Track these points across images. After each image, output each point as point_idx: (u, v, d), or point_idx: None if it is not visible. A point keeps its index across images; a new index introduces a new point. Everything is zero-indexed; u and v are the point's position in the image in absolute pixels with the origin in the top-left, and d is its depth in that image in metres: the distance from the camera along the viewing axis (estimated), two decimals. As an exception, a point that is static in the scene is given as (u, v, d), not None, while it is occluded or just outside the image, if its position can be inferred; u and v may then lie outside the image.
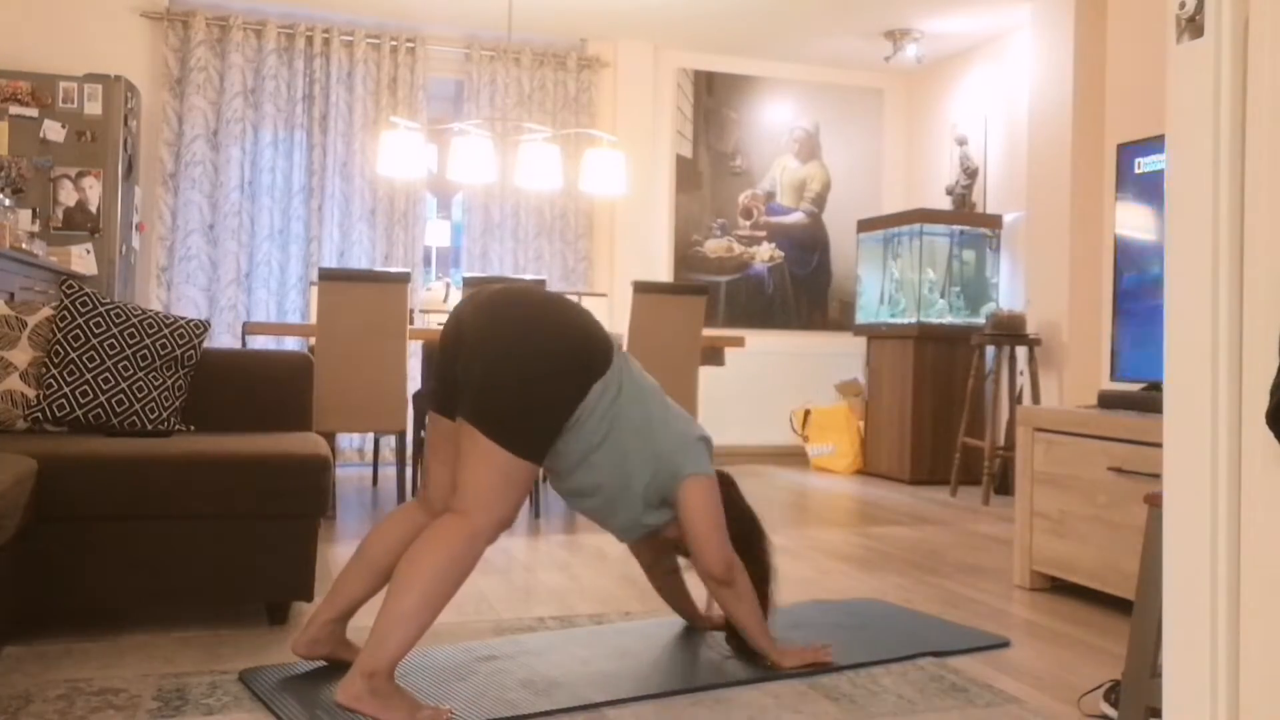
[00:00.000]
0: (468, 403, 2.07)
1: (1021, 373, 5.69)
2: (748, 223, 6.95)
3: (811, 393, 6.99)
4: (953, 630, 2.75)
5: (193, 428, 3.08)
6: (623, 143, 6.46)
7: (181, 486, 2.52)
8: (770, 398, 6.90)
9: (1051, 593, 3.26)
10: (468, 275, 4.35)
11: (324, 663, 2.30)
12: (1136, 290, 3.23)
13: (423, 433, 5.04)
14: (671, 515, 2.33)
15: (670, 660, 2.43)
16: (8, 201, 4.21)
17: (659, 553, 2.61)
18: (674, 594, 2.69)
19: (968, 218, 6.16)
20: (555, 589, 3.15)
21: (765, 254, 6.98)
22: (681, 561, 2.61)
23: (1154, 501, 1.81)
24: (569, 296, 5.78)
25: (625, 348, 4.57)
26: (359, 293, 4.13)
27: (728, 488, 2.45)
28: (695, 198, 6.84)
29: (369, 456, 6.11)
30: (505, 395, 2.05)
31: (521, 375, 2.06)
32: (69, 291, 2.94)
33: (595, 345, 2.18)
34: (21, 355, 2.88)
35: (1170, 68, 1.14)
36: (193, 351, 3.05)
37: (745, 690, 2.26)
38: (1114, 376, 3.32)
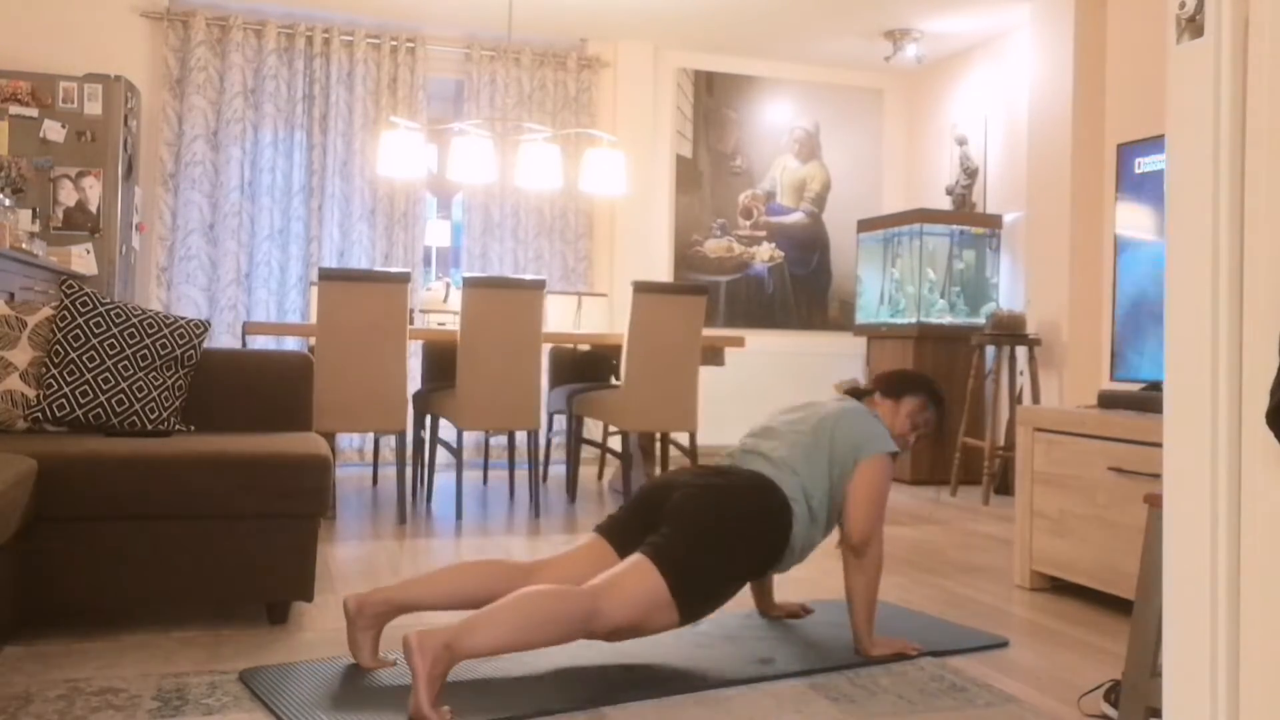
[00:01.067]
0: (653, 541, 2.29)
1: (1021, 373, 5.69)
2: (748, 223, 6.95)
3: (811, 393, 6.99)
4: (952, 630, 2.75)
5: (193, 428, 3.08)
6: (623, 143, 6.46)
7: (181, 486, 2.52)
8: (770, 398, 6.90)
9: (1051, 593, 3.26)
10: (468, 275, 4.35)
11: (323, 663, 2.30)
12: (1136, 290, 3.23)
13: (422, 433, 5.04)
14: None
15: (670, 660, 2.43)
16: (8, 201, 4.21)
17: None
18: (759, 585, 2.86)
19: (968, 218, 6.16)
20: (555, 589, 3.15)
21: (765, 254, 6.98)
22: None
23: (1154, 501, 1.81)
24: (569, 297, 5.77)
25: (626, 348, 4.57)
26: (359, 293, 4.13)
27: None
28: (695, 198, 6.84)
29: (369, 456, 6.11)
30: (696, 548, 2.29)
31: (719, 543, 2.32)
32: (69, 291, 2.94)
33: (778, 510, 2.44)
34: (21, 355, 2.88)
35: (1170, 68, 1.14)
36: (193, 351, 3.05)
37: (745, 690, 2.26)
38: (1114, 376, 3.32)
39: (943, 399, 2.75)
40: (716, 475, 2.43)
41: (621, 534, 2.42)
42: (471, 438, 6.06)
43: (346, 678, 2.24)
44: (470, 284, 4.34)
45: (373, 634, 2.30)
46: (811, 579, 3.37)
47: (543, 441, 5.61)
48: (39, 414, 2.85)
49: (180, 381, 3.03)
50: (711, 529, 2.30)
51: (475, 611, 2.08)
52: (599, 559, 2.39)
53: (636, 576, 2.20)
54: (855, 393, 2.77)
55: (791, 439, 2.55)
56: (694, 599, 2.26)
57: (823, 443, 2.53)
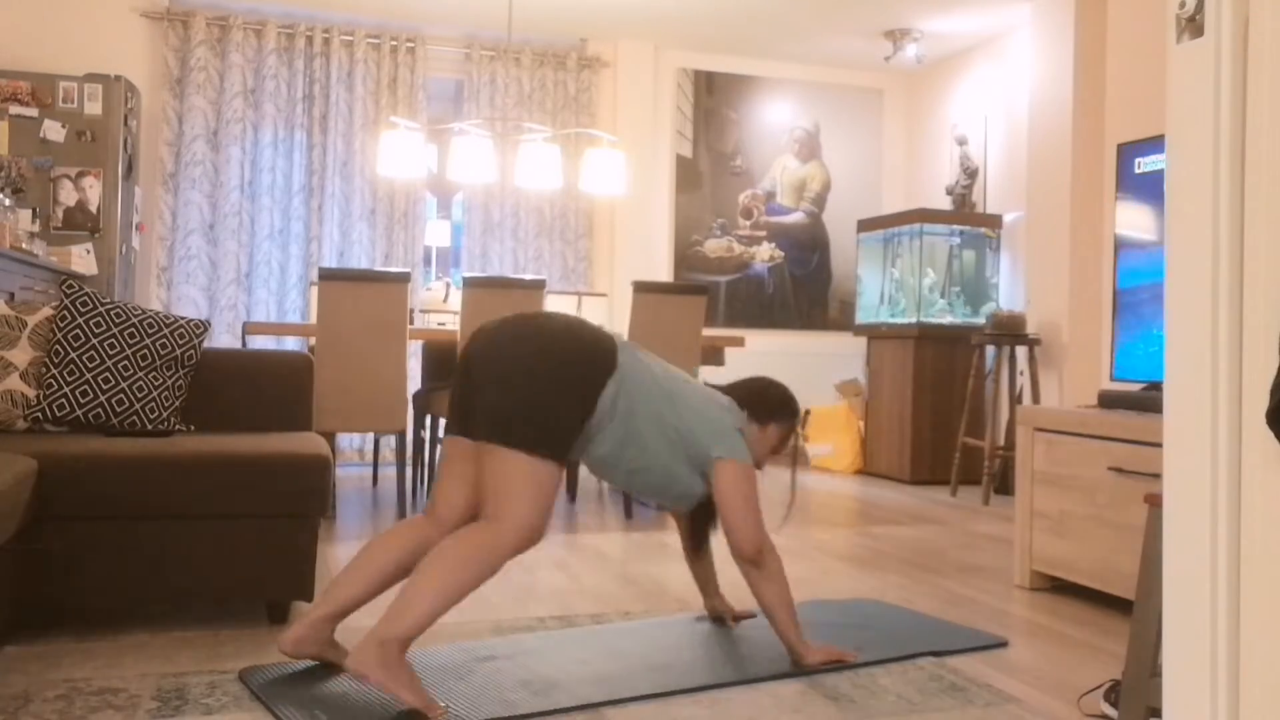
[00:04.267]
0: (485, 422, 2.15)
1: (1021, 373, 5.69)
2: (748, 223, 6.95)
3: (811, 393, 6.99)
4: (952, 630, 2.75)
5: (193, 428, 3.08)
6: (623, 143, 6.46)
7: (181, 486, 2.52)
8: (770, 398, 6.88)
9: (1051, 593, 3.26)
10: (468, 275, 4.35)
11: (318, 661, 2.30)
12: (1136, 290, 3.23)
13: (423, 433, 5.04)
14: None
15: (669, 660, 2.43)
16: (8, 201, 4.21)
17: (696, 525, 2.70)
18: (702, 572, 2.78)
19: (968, 218, 6.16)
20: (555, 589, 3.15)
21: (765, 254, 6.98)
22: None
23: (1154, 501, 1.81)
24: (569, 297, 5.78)
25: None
26: (359, 293, 4.13)
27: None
28: (695, 198, 6.84)
29: (369, 456, 6.11)
30: (518, 405, 2.13)
31: (531, 384, 2.14)
32: (69, 291, 2.94)
33: (598, 348, 2.24)
34: (21, 355, 2.88)
35: (1170, 68, 1.14)
36: (193, 351, 3.05)
37: (744, 690, 2.26)
38: (1114, 376, 3.32)
39: (801, 421, 2.65)
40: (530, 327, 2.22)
41: (465, 421, 2.25)
42: (471, 438, 6.05)
43: (346, 677, 2.24)
44: (470, 284, 4.33)
45: (328, 649, 2.26)
46: (812, 579, 3.37)
47: (543, 441, 5.60)
48: (39, 414, 2.85)
49: (180, 381, 3.03)
50: (523, 380, 2.13)
51: (395, 598, 2.06)
52: (465, 459, 2.27)
53: (498, 474, 2.10)
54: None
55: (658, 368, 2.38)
56: (551, 437, 2.13)
57: (678, 409, 2.34)
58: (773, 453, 2.61)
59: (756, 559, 2.37)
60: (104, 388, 2.89)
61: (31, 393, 2.86)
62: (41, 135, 5.06)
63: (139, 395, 2.93)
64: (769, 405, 2.58)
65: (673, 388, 2.37)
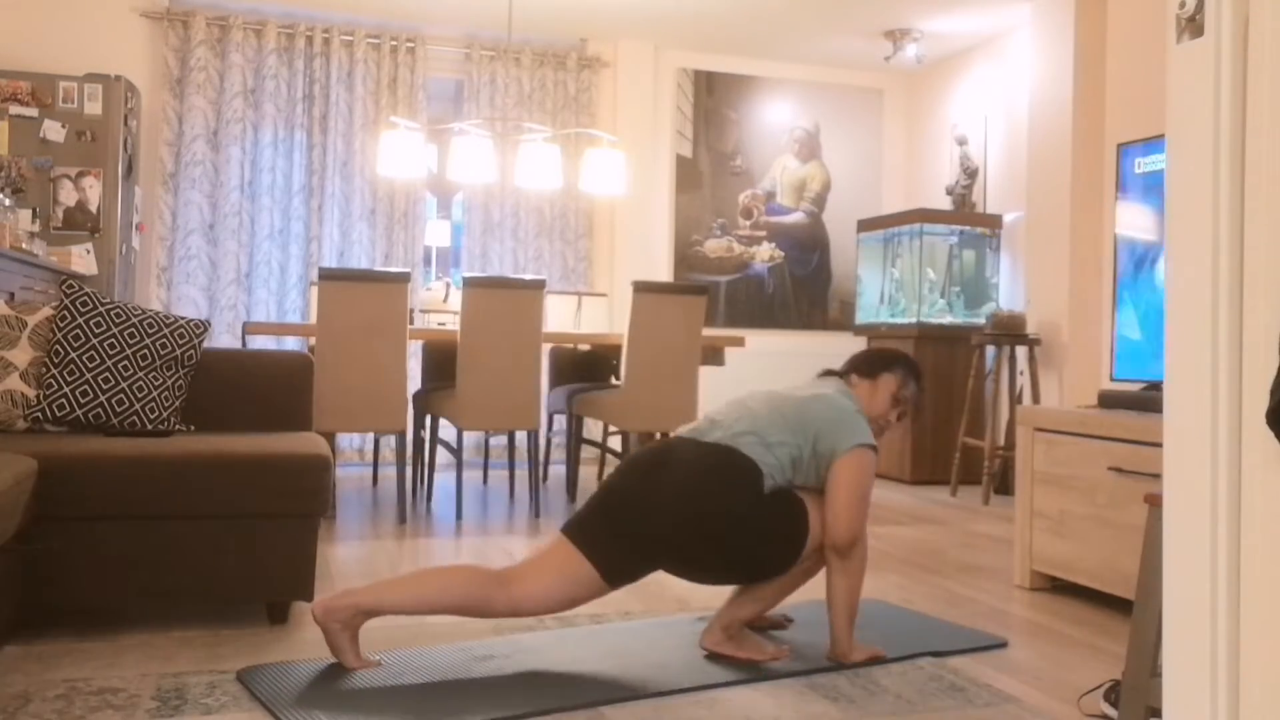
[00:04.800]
0: (741, 578, 2.43)
1: (1021, 373, 5.69)
2: (748, 223, 6.95)
3: (811, 393, 6.98)
4: (952, 630, 2.74)
5: (193, 428, 3.08)
6: (623, 143, 6.46)
7: (181, 486, 2.52)
8: (770, 398, 6.89)
9: (1051, 593, 3.26)
10: (468, 275, 4.35)
11: (322, 662, 2.30)
12: (1136, 290, 3.23)
13: (422, 433, 5.04)
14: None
15: (669, 660, 2.43)
16: (8, 201, 4.21)
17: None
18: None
19: (968, 218, 6.16)
20: (555, 589, 3.15)
21: (765, 254, 6.98)
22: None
23: (1154, 501, 1.81)
24: (569, 297, 5.77)
25: (626, 348, 4.57)
26: (359, 293, 4.13)
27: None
28: (695, 198, 6.84)
29: (369, 456, 6.11)
30: (728, 566, 2.39)
31: (718, 548, 2.35)
32: (69, 291, 2.94)
33: (731, 469, 2.36)
34: (21, 355, 2.88)
35: (1170, 68, 1.14)
36: (193, 351, 3.05)
37: (744, 690, 2.26)
38: (1114, 376, 3.32)
39: (920, 373, 2.66)
40: (674, 471, 2.34)
41: (585, 533, 2.33)
42: (471, 438, 6.06)
43: (345, 677, 2.24)
44: (470, 284, 4.34)
45: (349, 636, 2.27)
46: (812, 579, 3.36)
47: (543, 441, 5.61)
48: (39, 414, 2.85)
49: (180, 381, 3.03)
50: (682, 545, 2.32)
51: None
52: (566, 561, 2.32)
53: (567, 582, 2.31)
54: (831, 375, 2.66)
55: (762, 414, 2.44)
56: (622, 575, 2.34)
57: (792, 422, 2.42)
58: (895, 405, 2.59)
59: (846, 550, 2.39)
60: (104, 388, 2.89)
61: (31, 393, 2.86)
62: (41, 135, 5.06)
63: (139, 395, 2.93)
64: (876, 361, 2.61)
65: (786, 397, 2.48)
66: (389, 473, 5.74)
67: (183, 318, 3.07)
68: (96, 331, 2.92)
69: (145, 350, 2.96)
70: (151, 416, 2.94)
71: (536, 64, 6.41)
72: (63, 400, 2.86)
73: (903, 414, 2.63)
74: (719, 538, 2.30)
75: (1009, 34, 6.21)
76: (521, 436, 6.08)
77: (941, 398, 5.92)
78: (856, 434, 2.43)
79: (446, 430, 5.48)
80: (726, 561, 2.35)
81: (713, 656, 2.45)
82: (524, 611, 2.28)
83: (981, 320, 6.05)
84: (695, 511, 2.29)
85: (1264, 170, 1.05)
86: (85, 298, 2.94)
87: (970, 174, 6.54)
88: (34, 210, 4.98)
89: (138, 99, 5.52)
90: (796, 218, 7.06)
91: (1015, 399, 5.59)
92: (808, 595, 3.13)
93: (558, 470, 5.94)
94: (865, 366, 2.61)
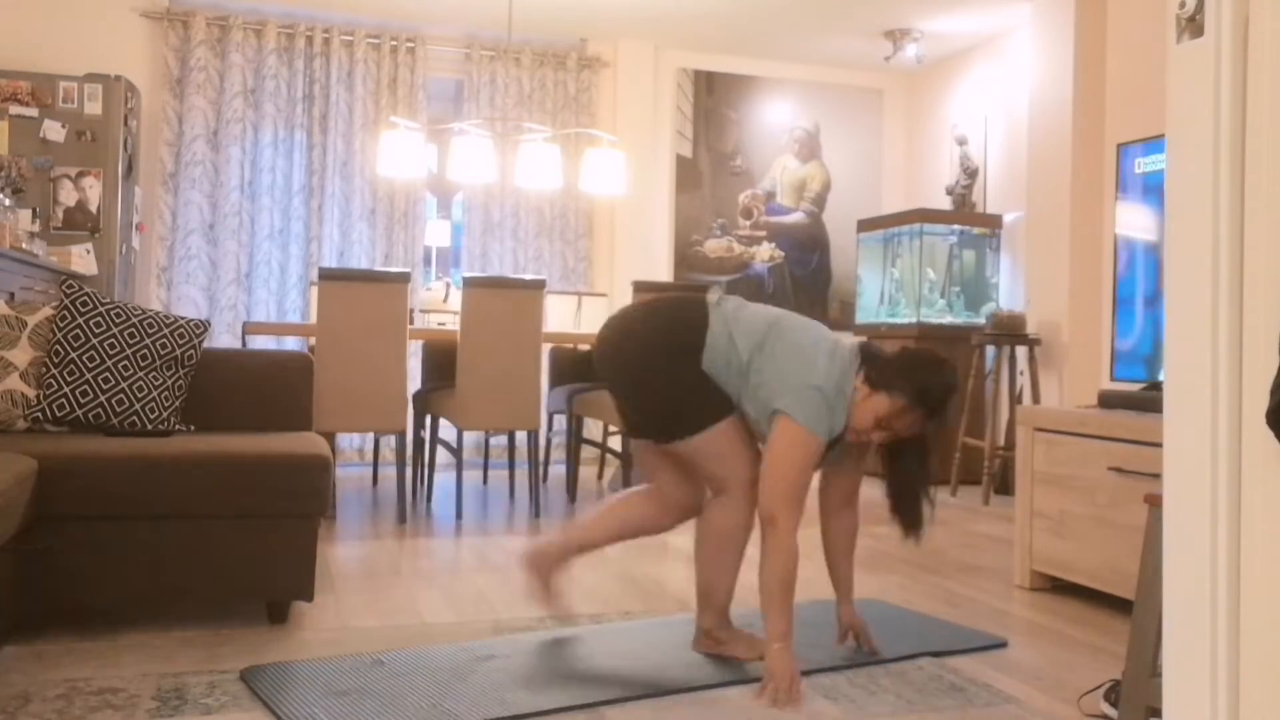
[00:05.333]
0: (645, 433, 2.44)
1: (1021, 373, 5.69)
2: (748, 223, 6.95)
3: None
4: (952, 630, 2.74)
5: (193, 428, 3.08)
6: (623, 143, 6.46)
7: (181, 486, 2.52)
8: (770, 398, 6.89)
9: (1051, 593, 3.26)
10: (468, 275, 4.35)
11: (322, 662, 2.30)
12: (1136, 290, 3.23)
13: (422, 433, 5.04)
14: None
15: (669, 660, 2.43)
16: (8, 201, 4.21)
17: (843, 496, 2.57)
18: (836, 553, 2.57)
19: (968, 218, 6.16)
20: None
21: (765, 254, 6.98)
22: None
23: (1154, 501, 1.81)
24: (569, 297, 5.77)
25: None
26: (359, 293, 4.13)
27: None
28: (695, 198, 6.84)
29: (369, 456, 6.11)
30: (653, 414, 2.38)
31: (643, 390, 2.39)
32: (69, 291, 2.94)
33: (681, 324, 2.36)
34: (21, 355, 2.88)
35: (1170, 68, 1.14)
36: (193, 351, 3.05)
37: (743, 690, 2.26)
38: (1114, 376, 3.32)
39: (941, 409, 2.31)
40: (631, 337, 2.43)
41: (636, 430, 2.50)
42: (471, 438, 6.06)
43: (346, 677, 2.24)
44: (470, 284, 4.33)
45: (556, 575, 2.60)
46: (812, 579, 3.37)
47: (543, 441, 5.61)
48: (39, 414, 2.85)
49: (180, 381, 3.03)
50: (641, 394, 2.40)
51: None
52: (649, 449, 2.51)
53: (696, 461, 2.39)
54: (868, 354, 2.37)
55: (761, 316, 2.37)
56: (698, 418, 2.34)
57: (759, 341, 2.31)
58: (878, 427, 2.30)
59: (766, 524, 2.21)
60: (104, 388, 2.89)
61: (31, 393, 2.86)
62: (41, 135, 5.06)
63: (139, 395, 2.93)
64: (889, 368, 2.30)
65: (782, 326, 2.33)
66: (389, 473, 5.74)
67: (183, 318, 3.07)
68: (96, 331, 2.92)
69: (145, 350, 2.96)
70: (151, 416, 2.94)
71: (536, 64, 6.41)
72: (63, 400, 2.86)
73: (892, 438, 2.34)
74: (634, 381, 2.39)
75: (1009, 34, 6.21)
76: (521, 436, 6.08)
77: (941, 398, 5.91)
78: (791, 404, 2.21)
79: (446, 430, 5.48)
80: (637, 407, 2.41)
81: (711, 656, 2.45)
82: (686, 509, 2.49)
83: (981, 320, 6.05)
84: (624, 354, 2.41)
85: (1264, 170, 1.05)
86: (85, 298, 2.94)
87: (970, 174, 6.54)
88: (34, 210, 4.98)
89: (138, 99, 5.52)
90: (796, 218, 7.06)
91: (1015, 399, 5.59)
92: (808, 595, 3.13)
93: (558, 470, 5.94)
94: (882, 369, 2.31)
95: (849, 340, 2.41)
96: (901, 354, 2.36)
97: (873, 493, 5.49)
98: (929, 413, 2.31)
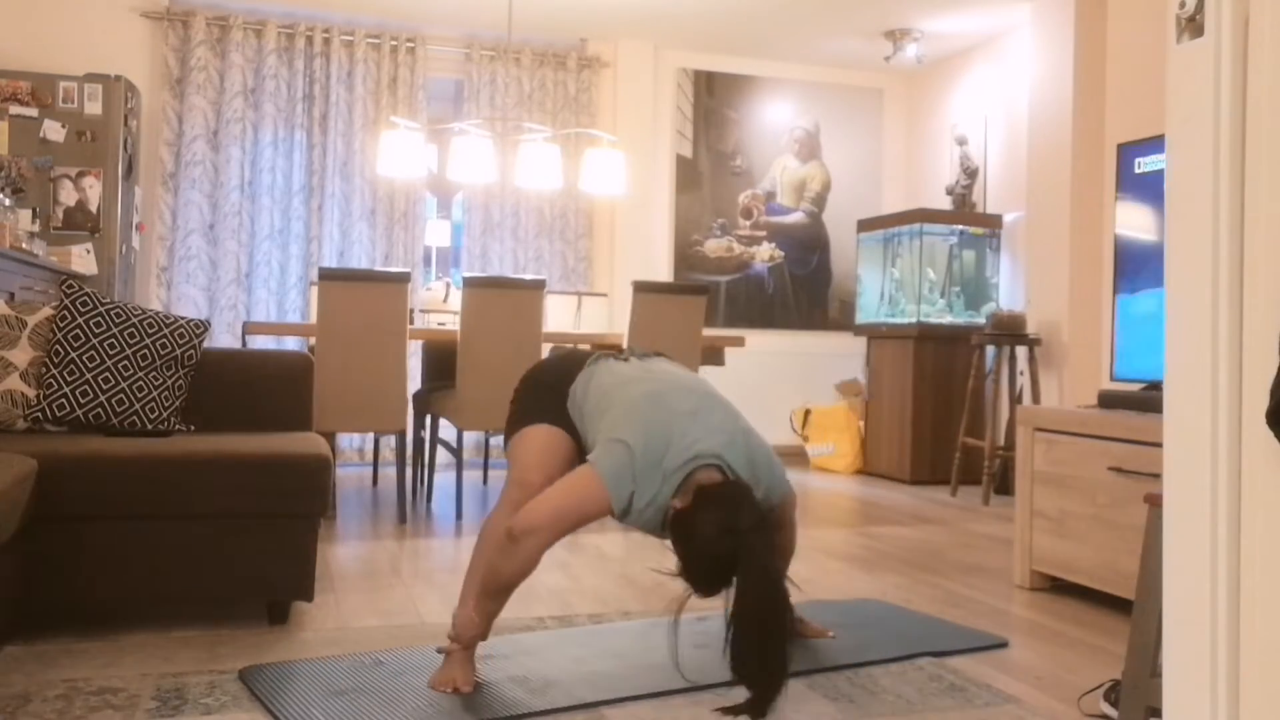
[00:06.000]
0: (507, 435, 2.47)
1: (1021, 372, 5.69)
2: (748, 223, 6.95)
3: (811, 393, 6.99)
4: (952, 630, 2.74)
5: (193, 428, 3.08)
6: (623, 143, 6.46)
7: (181, 486, 2.52)
8: (770, 398, 6.90)
9: (1051, 593, 3.26)
10: (468, 275, 4.35)
11: (322, 662, 2.30)
12: (1136, 290, 3.23)
13: (422, 433, 5.04)
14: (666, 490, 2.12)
15: (669, 660, 2.43)
16: (8, 201, 4.21)
17: None
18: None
19: (968, 218, 6.16)
20: (554, 589, 3.15)
21: (765, 254, 6.98)
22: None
23: (1154, 501, 1.81)
24: (569, 297, 5.77)
25: (626, 348, 4.56)
26: (359, 293, 4.13)
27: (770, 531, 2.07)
28: (695, 198, 6.84)
29: (369, 456, 6.11)
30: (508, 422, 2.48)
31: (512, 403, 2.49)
32: (69, 291, 2.94)
33: (562, 369, 2.45)
34: (21, 355, 2.88)
35: (1170, 68, 1.14)
36: (193, 351, 3.05)
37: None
38: (1114, 376, 3.32)
39: (700, 589, 2.05)
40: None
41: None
42: (471, 438, 6.06)
43: (345, 677, 2.24)
44: (470, 284, 4.34)
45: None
46: (812, 579, 3.37)
47: (543, 441, 5.60)
48: (39, 414, 2.85)
49: (180, 381, 3.03)
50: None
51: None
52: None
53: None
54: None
55: (656, 373, 2.34)
56: (511, 426, 2.40)
57: (621, 388, 2.27)
58: (665, 526, 2.14)
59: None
60: (104, 388, 2.89)
61: (31, 393, 2.86)
62: (41, 135, 5.06)
63: (139, 395, 2.93)
64: (680, 517, 2.07)
65: (630, 391, 2.23)
66: (389, 473, 5.73)
67: (183, 318, 3.07)
68: (96, 331, 2.92)
69: (145, 350, 2.96)
70: (151, 416, 2.94)
71: (536, 64, 6.41)
72: (63, 400, 2.86)
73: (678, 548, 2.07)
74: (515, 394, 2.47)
75: (1009, 34, 6.21)
76: (521, 436, 6.06)
77: (941, 398, 5.92)
78: (600, 452, 2.12)
79: (446, 430, 5.48)
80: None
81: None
82: (532, 518, 2.08)
83: (981, 320, 6.05)
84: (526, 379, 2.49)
85: (1264, 170, 1.05)
86: (85, 298, 2.94)
87: (970, 174, 6.54)
88: (34, 210, 4.98)
89: (138, 99, 5.52)
90: (796, 218, 7.06)
91: (1015, 399, 5.59)
92: (808, 596, 3.13)
93: (558, 470, 5.93)
94: (680, 514, 2.07)
95: (727, 452, 2.13)
96: (698, 498, 2.05)
97: (871, 492, 5.47)
98: (695, 589, 2.06)
